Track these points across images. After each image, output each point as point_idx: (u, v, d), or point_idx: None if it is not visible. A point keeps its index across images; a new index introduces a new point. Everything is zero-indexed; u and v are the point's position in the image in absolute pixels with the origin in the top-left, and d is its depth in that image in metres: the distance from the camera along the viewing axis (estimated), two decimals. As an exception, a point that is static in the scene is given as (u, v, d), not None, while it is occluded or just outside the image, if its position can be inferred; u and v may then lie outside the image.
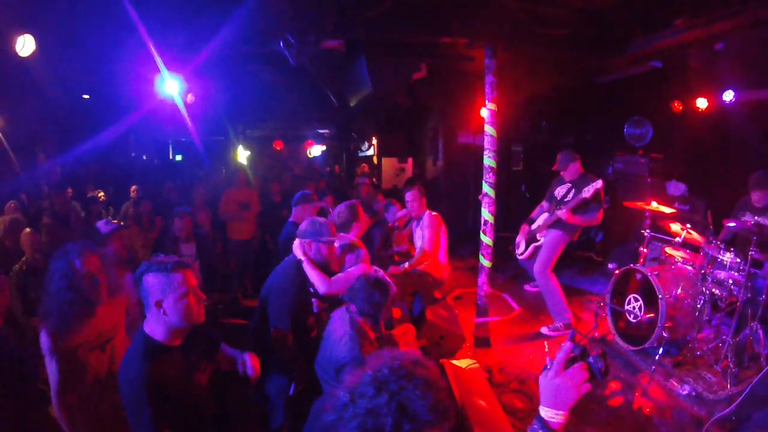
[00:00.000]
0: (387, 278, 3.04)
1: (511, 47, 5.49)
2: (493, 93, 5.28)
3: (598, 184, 5.18)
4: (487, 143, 5.31)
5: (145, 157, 12.32)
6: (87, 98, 7.18)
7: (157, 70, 5.53)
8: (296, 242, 3.58)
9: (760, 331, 4.50)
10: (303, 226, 3.55)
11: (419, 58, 6.12)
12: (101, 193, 7.98)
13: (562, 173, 5.78)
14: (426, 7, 5.01)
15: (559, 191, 5.79)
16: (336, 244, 3.66)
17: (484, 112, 5.43)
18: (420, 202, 5.52)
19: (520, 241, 6.07)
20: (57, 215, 5.94)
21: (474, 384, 3.54)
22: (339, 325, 2.87)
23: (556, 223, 5.59)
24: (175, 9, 4.86)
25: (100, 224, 4.16)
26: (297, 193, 5.37)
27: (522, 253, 6.03)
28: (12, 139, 7.42)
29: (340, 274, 3.52)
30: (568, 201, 5.49)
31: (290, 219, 5.12)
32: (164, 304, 2.15)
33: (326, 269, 3.50)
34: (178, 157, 13.07)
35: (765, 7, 4.36)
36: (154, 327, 2.20)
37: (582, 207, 5.41)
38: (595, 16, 4.92)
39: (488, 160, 5.29)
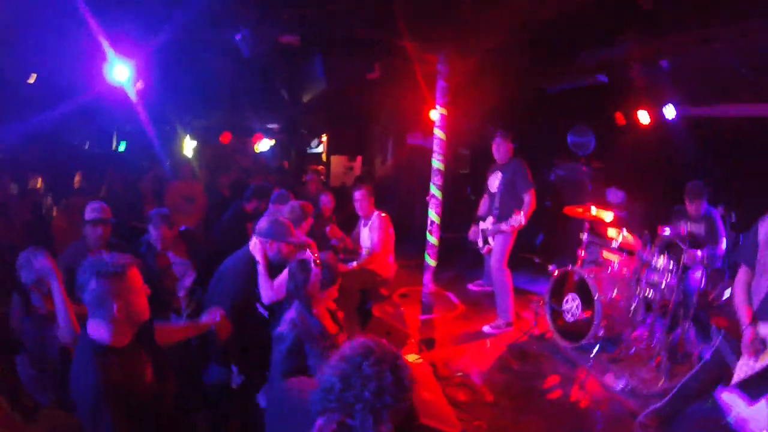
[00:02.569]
0: (314, 260, 3.00)
1: (463, 54, 5.66)
2: (444, 98, 5.43)
3: (521, 215, 5.48)
4: (436, 146, 5.46)
5: (87, 145, 11.83)
6: (32, 82, 6.84)
7: (105, 56, 5.36)
8: (253, 241, 3.58)
9: (692, 331, 4.88)
10: (263, 224, 3.54)
11: (373, 58, 6.20)
12: (39, 181, 7.65)
13: (495, 156, 6.01)
14: (382, 8, 5.08)
15: (491, 181, 6.04)
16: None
17: (434, 115, 5.57)
18: (368, 201, 5.58)
19: (476, 238, 6.24)
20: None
21: (419, 377, 3.65)
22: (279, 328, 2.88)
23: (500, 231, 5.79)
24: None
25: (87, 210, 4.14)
26: (250, 187, 5.33)
27: (482, 248, 6.19)
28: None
29: (280, 278, 3.47)
30: (504, 202, 5.75)
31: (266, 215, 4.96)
32: (111, 306, 2.08)
33: (281, 270, 3.49)
34: (122, 146, 12.60)
35: (706, 28, 4.66)
36: (98, 330, 2.13)
37: (512, 198, 5.70)
38: (544, 27, 5.12)
39: (436, 163, 5.45)
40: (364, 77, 6.30)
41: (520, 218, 5.46)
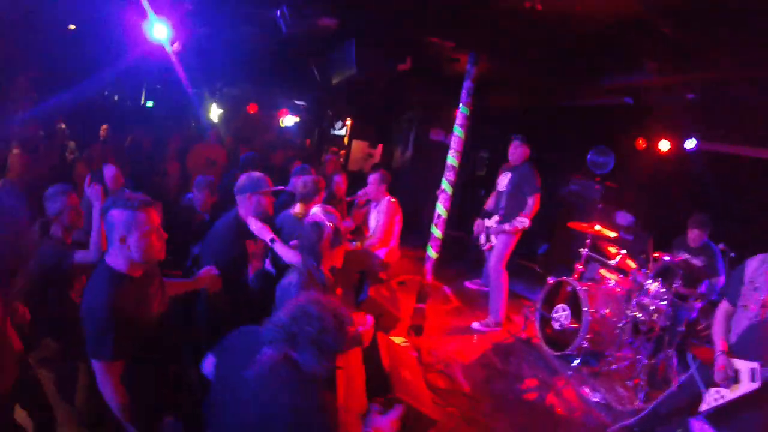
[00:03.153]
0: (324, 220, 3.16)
1: (495, 58, 5.79)
2: (469, 98, 5.57)
3: (525, 218, 5.66)
4: (454, 143, 5.60)
5: (117, 98, 12.11)
6: (73, 29, 7.08)
7: (145, 14, 5.54)
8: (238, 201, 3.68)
9: (675, 359, 4.97)
10: (240, 181, 3.63)
11: (407, 50, 6.33)
12: (63, 125, 7.89)
13: (509, 158, 6.19)
14: (422, 5, 5.21)
15: (500, 180, 6.20)
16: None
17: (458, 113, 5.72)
18: (380, 186, 5.75)
19: (479, 234, 6.40)
20: (26, 143, 5.90)
21: (403, 358, 3.83)
22: (287, 278, 3.09)
23: (503, 230, 5.94)
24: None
25: (108, 177, 4.62)
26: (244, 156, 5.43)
27: (483, 245, 6.37)
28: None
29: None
30: (509, 201, 5.90)
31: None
32: (128, 239, 2.26)
33: (268, 221, 3.64)
34: (149, 104, 12.86)
35: (732, 69, 4.72)
36: (116, 260, 2.30)
37: (517, 200, 5.85)
38: (573, 44, 5.24)
39: (452, 159, 5.59)
40: (394, 68, 6.41)
41: (523, 220, 5.61)
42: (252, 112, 14.16)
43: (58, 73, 7.96)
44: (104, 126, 7.70)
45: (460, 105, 5.58)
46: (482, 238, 6.32)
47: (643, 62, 5.16)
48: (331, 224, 3.09)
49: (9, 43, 7.01)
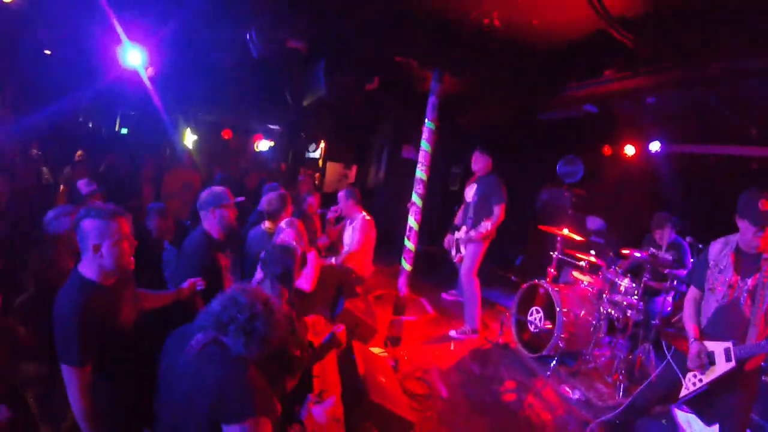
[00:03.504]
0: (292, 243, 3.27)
1: (457, 74, 6.00)
2: (434, 114, 5.75)
3: (489, 223, 5.82)
4: (421, 157, 5.75)
5: (91, 125, 12.13)
6: (48, 54, 7.18)
7: (119, 40, 5.65)
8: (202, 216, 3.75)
9: (652, 352, 5.13)
10: (203, 196, 3.70)
11: (374, 70, 6.52)
12: (35, 151, 7.88)
13: (473, 169, 6.34)
14: (386, 26, 5.41)
15: (467, 192, 6.36)
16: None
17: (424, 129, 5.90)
18: (348, 201, 5.91)
19: (450, 247, 6.54)
20: (3, 165, 5.90)
21: (379, 365, 3.92)
22: None
23: (471, 239, 6.10)
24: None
25: (81, 184, 4.32)
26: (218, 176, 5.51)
27: (454, 256, 6.49)
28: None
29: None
30: (476, 211, 6.05)
31: (259, 208, 5.19)
32: (102, 248, 2.36)
33: (233, 233, 3.76)
34: (124, 130, 12.90)
35: (683, 69, 4.85)
36: (89, 269, 2.39)
37: (484, 210, 5.97)
38: (534, 57, 5.47)
39: (420, 173, 5.74)
40: (362, 88, 6.59)
41: (487, 225, 5.78)
42: (227, 137, 14.24)
43: (33, 96, 8.01)
44: (79, 151, 7.72)
45: (426, 120, 5.75)
46: (453, 252, 6.47)
47: (601, 70, 5.39)
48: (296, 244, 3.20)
49: None
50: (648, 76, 5.22)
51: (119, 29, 5.44)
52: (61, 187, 6.19)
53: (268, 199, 4.65)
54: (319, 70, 6.43)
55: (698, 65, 4.65)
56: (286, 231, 3.69)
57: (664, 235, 5.67)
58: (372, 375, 3.52)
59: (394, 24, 5.30)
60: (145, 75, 6.44)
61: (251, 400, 1.96)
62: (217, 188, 3.74)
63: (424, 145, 5.78)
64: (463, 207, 6.53)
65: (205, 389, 1.94)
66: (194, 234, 3.72)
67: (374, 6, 5.11)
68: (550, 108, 7.60)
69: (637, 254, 5.19)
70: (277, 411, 2.11)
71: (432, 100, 5.76)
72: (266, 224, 4.48)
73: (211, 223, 3.63)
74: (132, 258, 2.50)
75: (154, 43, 5.82)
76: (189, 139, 13.63)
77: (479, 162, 6.23)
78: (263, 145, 15.56)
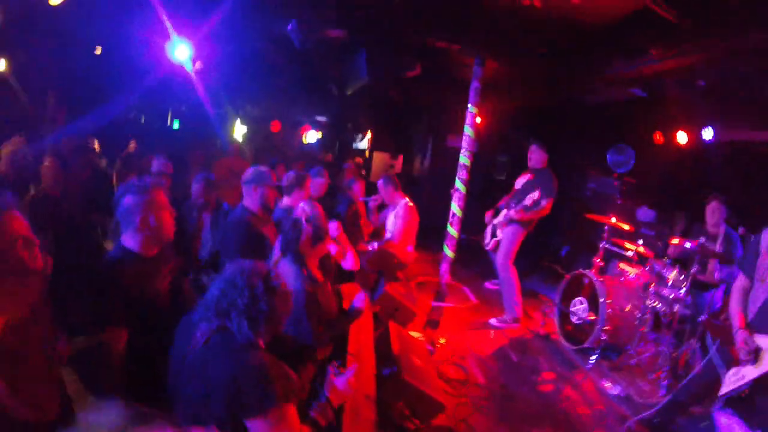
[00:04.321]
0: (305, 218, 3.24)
1: (499, 57, 5.90)
2: (476, 98, 5.68)
3: (542, 196, 5.64)
4: (465, 143, 5.71)
5: (143, 119, 12.61)
6: (98, 53, 7.50)
7: (168, 35, 5.83)
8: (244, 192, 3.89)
9: (698, 350, 4.79)
10: (247, 173, 3.85)
11: (415, 57, 6.49)
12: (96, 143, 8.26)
13: (529, 162, 6.26)
14: (425, 11, 5.37)
15: (519, 181, 6.28)
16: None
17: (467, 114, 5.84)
18: (387, 188, 6.01)
19: (486, 231, 6.47)
20: (58, 156, 6.22)
21: (414, 347, 3.92)
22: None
23: (511, 220, 6.00)
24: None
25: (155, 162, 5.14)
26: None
27: (488, 244, 6.43)
28: (23, 81, 7.75)
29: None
30: (521, 197, 5.90)
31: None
32: (142, 220, 2.46)
33: (269, 213, 3.90)
34: (176, 124, 13.35)
35: (738, 37, 4.46)
36: (131, 241, 2.50)
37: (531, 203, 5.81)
38: (576, 37, 5.31)
39: (463, 159, 5.71)
40: (404, 74, 6.58)
41: (530, 206, 5.67)
42: (275, 130, 14.49)
43: (85, 93, 8.39)
44: (132, 141, 8.08)
45: (469, 105, 5.70)
46: (487, 236, 6.38)
47: (644, 49, 5.17)
48: (310, 221, 3.16)
49: (39, 62, 7.47)
50: (692, 54, 4.94)
51: (167, 24, 5.60)
52: (115, 176, 6.46)
53: (287, 176, 4.74)
54: (361, 57, 6.47)
55: (740, 34, 4.36)
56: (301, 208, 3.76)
57: (718, 224, 5.38)
58: (406, 355, 3.52)
59: (433, 9, 5.26)
60: (192, 69, 6.62)
61: (269, 388, 1.85)
62: (262, 167, 3.88)
63: (467, 130, 5.74)
64: (510, 194, 6.42)
65: (218, 387, 1.85)
66: (236, 211, 3.88)
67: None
68: (595, 91, 7.35)
69: (687, 245, 4.92)
70: (300, 391, 2.07)
71: (474, 85, 5.71)
72: (285, 201, 4.58)
73: (252, 198, 3.79)
74: (171, 225, 2.60)
75: (200, 36, 5.97)
76: (239, 131, 13.94)
77: (535, 155, 6.17)
78: (311, 136, 15.73)
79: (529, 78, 7.04)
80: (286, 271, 3.03)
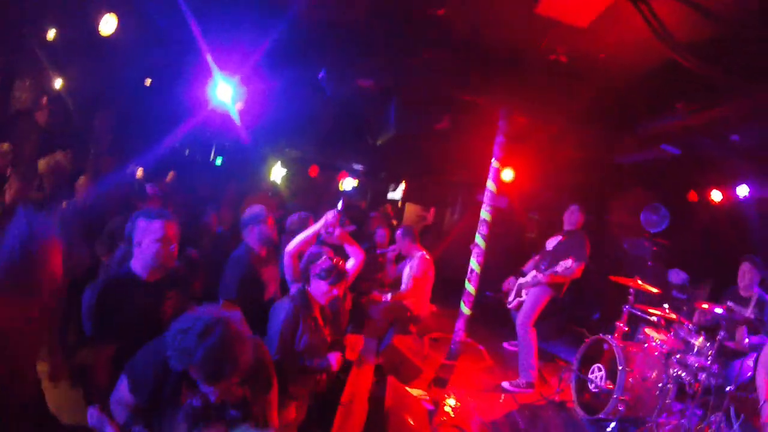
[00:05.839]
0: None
1: (526, 112, 5.86)
2: (500, 153, 5.64)
3: (574, 262, 5.45)
4: (486, 198, 5.66)
5: (187, 152, 13.11)
6: (148, 84, 7.92)
7: (211, 74, 6.03)
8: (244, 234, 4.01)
9: (723, 424, 4.36)
10: (244, 216, 4.02)
11: (444, 109, 6.52)
12: (140, 171, 8.59)
13: (564, 223, 6.08)
14: (452, 63, 5.42)
15: (550, 242, 6.08)
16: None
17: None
18: (406, 240, 5.99)
19: (509, 290, 6.28)
20: (96, 173, 6.43)
21: (411, 406, 3.76)
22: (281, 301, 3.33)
23: (538, 282, 5.79)
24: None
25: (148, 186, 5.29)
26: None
27: (510, 302, 6.23)
28: (76, 101, 8.20)
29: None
30: (552, 260, 5.71)
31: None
32: (143, 244, 2.60)
33: (273, 246, 4.05)
34: (218, 161, 13.81)
35: (754, 94, 4.39)
36: (136, 263, 2.65)
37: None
38: (605, 92, 5.24)
39: (484, 213, 5.63)
40: (431, 127, 6.61)
41: (559, 271, 5.45)
42: (313, 175, 14.75)
43: (133, 121, 8.79)
44: (171, 172, 8.37)
45: (492, 159, 5.65)
46: (511, 295, 6.19)
47: (672, 104, 5.06)
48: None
49: (92, 85, 7.89)
50: (722, 107, 4.77)
51: (211, 63, 5.82)
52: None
53: (291, 219, 4.92)
54: (390, 108, 6.55)
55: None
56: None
57: (751, 286, 5.07)
58: (399, 414, 3.38)
59: (460, 63, 5.31)
60: (234, 109, 6.83)
61: None
62: (256, 207, 4.03)
63: (490, 185, 5.68)
64: (539, 255, 6.25)
65: None
66: (239, 249, 3.98)
67: (440, 45, 5.16)
68: (628, 150, 7.19)
69: (718, 310, 4.60)
70: None
71: (499, 140, 5.68)
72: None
73: (252, 238, 3.92)
74: (172, 257, 2.70)
75: (243, 77, 6.17)
76: (278, 172, 14.25)
77: (573, 216, 6.00)
78: (347, 183, 15.89)
79: (559, 134, 6.97)
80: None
